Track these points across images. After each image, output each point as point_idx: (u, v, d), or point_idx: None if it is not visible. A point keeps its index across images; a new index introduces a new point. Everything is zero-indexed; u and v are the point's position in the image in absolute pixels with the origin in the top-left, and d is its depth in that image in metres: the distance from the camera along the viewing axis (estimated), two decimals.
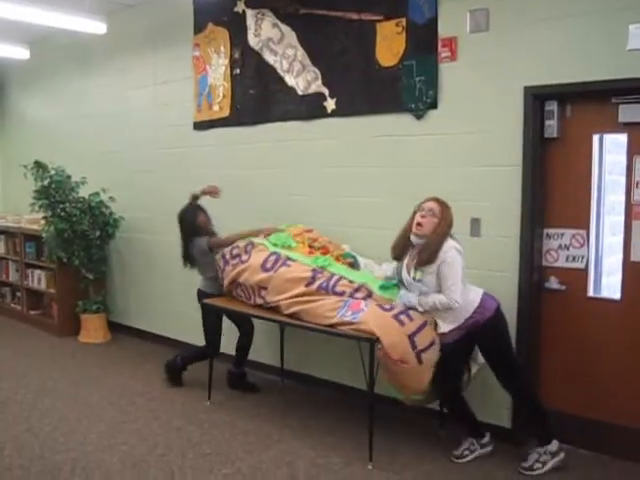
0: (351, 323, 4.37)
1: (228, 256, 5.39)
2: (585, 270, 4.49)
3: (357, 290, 4.64)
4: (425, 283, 4.22)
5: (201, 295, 5.69)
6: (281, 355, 5.95)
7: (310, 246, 5.23)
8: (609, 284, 4.52)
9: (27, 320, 8.40)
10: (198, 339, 6.05)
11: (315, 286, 4.75)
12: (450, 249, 4.13)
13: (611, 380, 4.38)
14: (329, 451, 4.57)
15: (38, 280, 8.15)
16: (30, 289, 8.37)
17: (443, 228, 4.19)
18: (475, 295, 4.25)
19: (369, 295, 4.60)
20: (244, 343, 5.85)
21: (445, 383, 4.33)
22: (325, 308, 4.59)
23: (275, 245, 5.21)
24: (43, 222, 7.38)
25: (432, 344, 4.22)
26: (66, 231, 7.17)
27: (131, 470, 4.28)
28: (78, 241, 7.29)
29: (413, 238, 4.28)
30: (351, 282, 4.70)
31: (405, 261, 4.40)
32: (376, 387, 4.38)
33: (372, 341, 4.23)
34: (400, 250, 4.42)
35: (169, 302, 7.04)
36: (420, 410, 4.47)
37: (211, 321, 5.65)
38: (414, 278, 4.28)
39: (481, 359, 4.41)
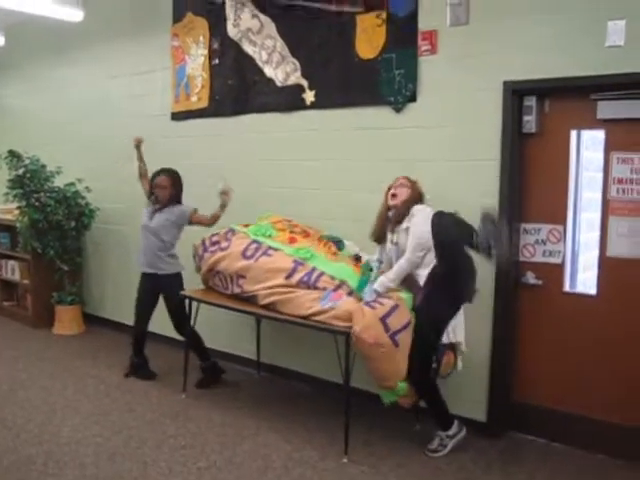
0: (331, 309, 4.36)
1: (207, 242, 5.32)
2: (561, 265, 4.51)
3: (339, 287, 4.59)
4: (401, 245, 4.42)
5: (179, 278, 5.72)
6: (257, 348, 5.93)
7: (291, 232, 5.16)
8: (585, 279, 4.55)
9: (1, 311, 8.29)
10: (173, 331, 6.02)
11: (295, 279, 4.69)
12: (419, 211, 4.35)
13: (586, 374, 4.41)
14: (305, 444, 4.56)
15: (12, 271, 8.04)
16: (4, 280, 8.26)
17: (414, 195, 4.47)
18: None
19: (350, 294, 4.55)
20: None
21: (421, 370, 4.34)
22: (306, 298, 4.55)
23: (255, 234, 5.16)
24: (17, 212, 7.29)
25: (407, 325, 4.21)
26: (41, 221, 7.09)
27: (105, 462, 4.24)
28: (53, 232, 7.20)
29: (390, 213, 4.53)
30: (332, 278, 4.65)
31: (388, 238, 4.59)
32: (352, 380, 4.37)
33: (348, 334, 4.22)
34: (379, 230, 4.63)
35: None
36: (395, 404, 4.46)
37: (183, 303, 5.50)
38: (391, 241, 4.51)
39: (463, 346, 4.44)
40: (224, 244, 5.20)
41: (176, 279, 5.67)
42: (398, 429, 4.76)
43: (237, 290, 5.04)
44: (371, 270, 4.71)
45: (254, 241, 5.08)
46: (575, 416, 4.43)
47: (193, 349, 5.65)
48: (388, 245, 4.55)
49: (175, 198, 5.62)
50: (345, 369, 4.32)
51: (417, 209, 4.37)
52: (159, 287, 5.69)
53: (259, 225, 5.30)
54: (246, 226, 5.34)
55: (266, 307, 4.81)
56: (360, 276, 4.68)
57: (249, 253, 4.99)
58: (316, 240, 5.06)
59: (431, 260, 4.27)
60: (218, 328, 6.22)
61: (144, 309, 5.80)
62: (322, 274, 4.67)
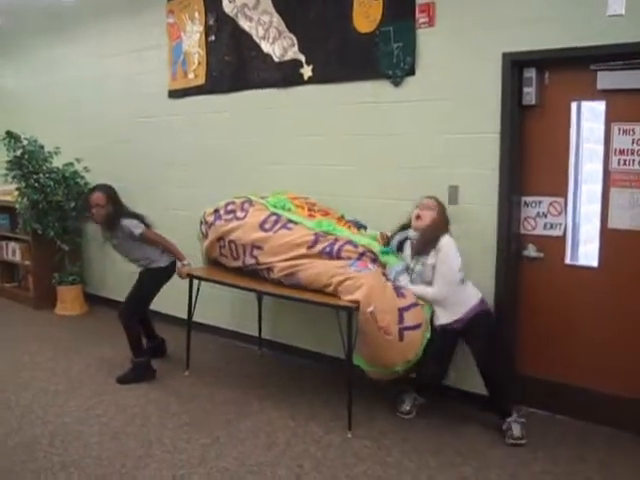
0: (350, 278, 4.36)
1: (222, 211, 5.23)
2: (563, 238, 4.50)
3: (362, 254, 4.59)
4: (421, 275, 4.39)
5: (163, 270, 5.51)
6: (259, 324, 5.94)
7: (310, 210, 5.11)
8: (586, 252, 4.54)
9: (2, 293, 8.31)
10: (174, 309, 6.03)
11: (317, 249, 4.65)
12: (446, 244, 4.27)
13: (588, 346, 4.41)
14: (308, 420, 4.58)
15: (13, 252, 8.04)
16: (5, 261, 8.26)
17: (440, 221, 4.39)
18: (475, 292, 4.40)
19: (374, 260, 4.57)
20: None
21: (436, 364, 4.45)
22: (331, 266, 4.54)
23: (275, 207, 5.10)
24: (16, 193, 7.27)
25: (418, 326, 4.22)
26: (40, 202, 7.08)
27: (110, 441, 4.26)
28: (53, 212, 7.19)
29: (412, 233, 4.49)
30: (355, 247, 4.62)
31: (406, 252, 4.60)
32: (354, 357, 4.38)
33: (350, 309, 4.23)
34: (399, 241, 4.66)
35: None
36: (398, 378, 4.47)
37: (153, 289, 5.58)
38: (413, 269, 4.45)
39: None
40: (240, 214, 5.11)
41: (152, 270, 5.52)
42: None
43: (251, 261, 4.97)
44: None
45: (273, 213, 5.00)
46: (578, 388, 4.44)
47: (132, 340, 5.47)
48: (407, 263, 4.55)
49: (116, 215, 5.28)
50: (347, 344, 4.33)
51: (445, 244, 4.28)
52: None
53: (277, 197, 5.23)
54: (263, 198, 5.28)
55: (279, 280, 4.78)
56: (383, 247, 4.71)
57: (267, 226, 4.92)
58: (336, 219, 5.02)
59: None
60: (218, 305, 6.24)
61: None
62: (345, 243, 4.64)
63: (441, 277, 4.28)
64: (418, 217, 4.41)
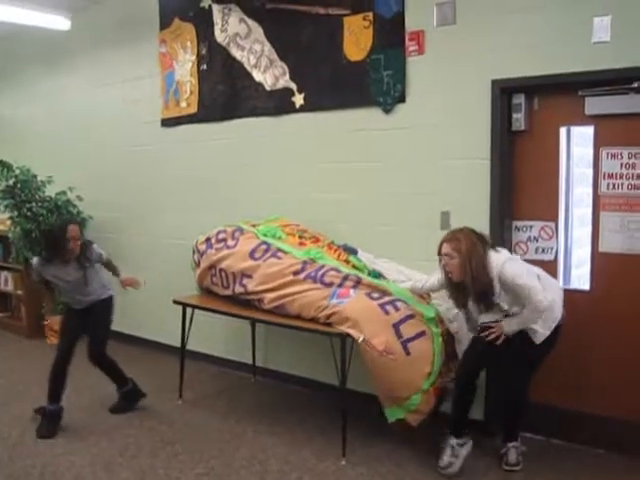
0: (334, 313, 4.34)
1: (213, 240, 5.27)
2: (554, 262, 4.51)
3: (345, 279, 4.58)
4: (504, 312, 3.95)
5: (112, 298, 5.29)
6: (253, 352, 5.92)
7: (300, 237, 5.12)
8: (578, 275, 4.56)
9: None
10: (167, 337, 6.00)
11: (302, 275, 4.68)
12: (499, 265, 3.77)
13: (582, 369, 4.41)
14: (302, 447, 4.55)
15: (5, 282, 8.01)
16: None
17: (475, 263, 3.79)
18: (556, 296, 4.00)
19: (358, 282, 4.54)
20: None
21: (467, 367, 4.17)
22: (315, 297, 4.52)
23: (265, 235, 5.12)
24: (9, 222, 7.25)
25: (421, 334, 4.19)
26: (33, 231, 7.06)
27: (102, 472, 4.22)
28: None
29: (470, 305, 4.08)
30: (339, 272, 4.63)
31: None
32: (348, 382, 4.36)
33: (343, 336, 4.22)
34: (461, 299, 4.07)
35: (140, 302, 6.97)
36: (401, 422, 4.42)
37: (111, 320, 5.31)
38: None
39: None
40: (230, 242, 5.15)
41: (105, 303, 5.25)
42: (396, 430, 4.75)
43: (239, 290, 4.99)
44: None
45: (263, 242, 5.03)
46: (573, 412, 4.43)
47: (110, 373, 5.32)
48: (476, 317, 4.13)
49: (85, 244, 5.02)
50: (341, 371, 4.31)
51: (503, 271, 3.76)
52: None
53: (268, 226, 5.25)
54: (254, 226, 5.31)
55: (270, 310, 4.78)
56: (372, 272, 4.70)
57: (257, 254, 4.95)
58: (326, 246, 5.02)
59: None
60: (212, 333, 6.22)
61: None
62: (329, 270, 4.65)
63: (526, 289, 3.74)
64: (450, 273, 3.92)
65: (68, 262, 4.89)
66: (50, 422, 4.88)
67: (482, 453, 4.36)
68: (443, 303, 4.43)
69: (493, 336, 3.91)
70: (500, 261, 3.79)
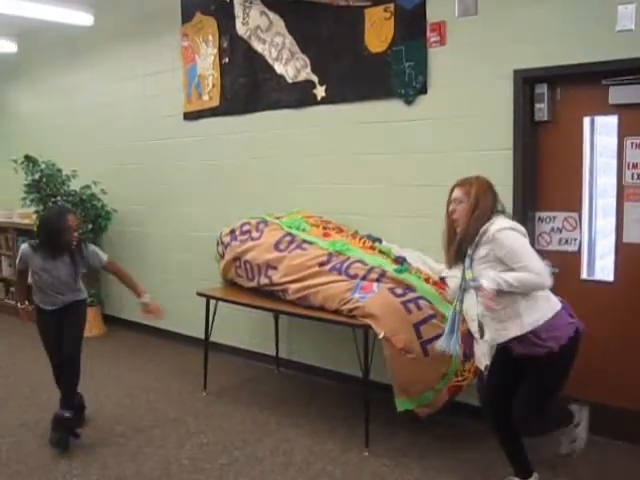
0: (357, 307, 4.34)
1: (237, 232, 5.31)
2: (578, 253, 4.49)
3: (370, 271, 4.56)
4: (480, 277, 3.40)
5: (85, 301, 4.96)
6: (276, 343, 5.95)
7: (324, 228, 5.14)
8: (602, 266, 4.52)
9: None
10: (191, 329, 6.04)
11: (328, 267, 4.69)
12: (500, 228, 3.33)
13: (605, 361, 4.39)
14: (326, 438, 4.58)
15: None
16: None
17: (481, 210, 3.41)
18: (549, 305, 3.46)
19: (382, 274, 4.52)
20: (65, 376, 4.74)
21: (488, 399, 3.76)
22: (340, 289, 4.52)
23: (289, 227, 5.14)
24: (35, 216, 7.34)
25: (441, 336, 4.17)
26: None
27: (128, 462, 4.28)
28: None
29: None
30: (364, 264, 4.62)
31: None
32: (371, 374, 4.38)
33: (366, 328, 4.23)
34: (452, 254, 3.58)
35: (163, 294, 7.02)
36: (409, 412, 4.43)
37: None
38: (466, 279, 3.53)
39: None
40: (255, 234, 5.19)
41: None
42: (418, 421, 4.76)
43: (265, 281, 5.02)
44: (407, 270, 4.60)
45: (288, 233, 5.06)
46: (595, 404, 4.40)
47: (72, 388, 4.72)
48: (457, 280, 3.67)
49: (83, 238, 4.85)
50: (364, 362, 4.33)
51: (500, 234, 3.31)
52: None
53: (292, 218, 5.28)
54: (278, 218, 5.33)
55: (294, 301, 4.80)
56: (397, 266, 4.65)
57: (282, 246, 4.98)
58: (350, 236, 5.04)
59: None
60: (236, 325, 6.26)
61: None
62: (355, 261, 4.65)
63: (519, 257, 3.28)
64: (454, 219, 3.52)
65: (59, 256, 4.53)
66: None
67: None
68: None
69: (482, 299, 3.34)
70: (500, 223, 3.35)
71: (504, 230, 3.32)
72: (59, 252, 4.53)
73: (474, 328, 4.06)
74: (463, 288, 3.55)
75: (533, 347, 3.39)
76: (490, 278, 3.29)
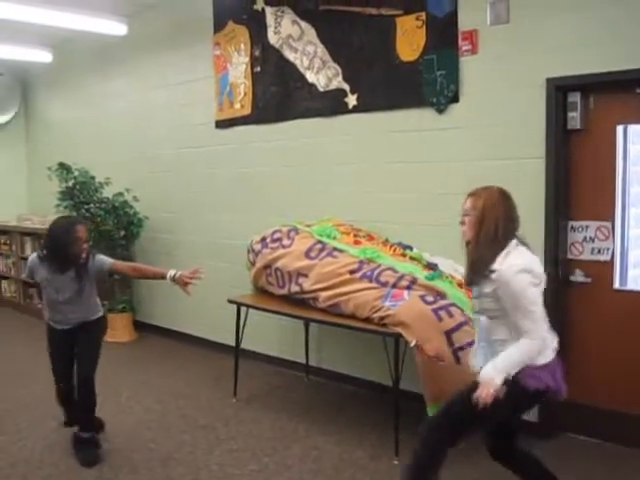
0: (388, 316, 4.33)
1: (269, 239, 5.34)
2: (611, 262, 4.44)
3: (401, 279, 4.55)
4: (487, 312, 3.12)
5: (104, 319, 4.70)
6: (306, 351, 5.96)
7: (355, 235, 5.14)
8: (635, 276, 4.47)
9: None
10: (222, 336, 6.06)
11: (359, 274, 4.68)
12: (514, 271, 2.95)
13: (638, 372, 4.34)
14: (355, 446, 4.57)
15: None
16: None
17: (487, 229, 3.05)
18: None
19: (413, 282, 4.50)
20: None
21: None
22: (371, 297, 4.51)
23: (320, 235, 5.15)
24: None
25: (473, 343, 4.14)
26: (91, 232, 7.22)
27: (158, 467, 4.31)
28: (103, 241, 7.33)
29: None
30: (395, 272, 4.61)
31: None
32: (402, 382, 4.37)
33: (397, 336, 4.23)
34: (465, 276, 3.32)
35: (193, 301, 7.05)
36: None
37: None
38: (473, 309, 3.32)
39: None
40: (286, 242, 5.21)
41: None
42: None
43: (295, 289, 5.03)
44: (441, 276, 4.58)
45: (319, 241, 5.06)
46: (629, 415, 4.36)
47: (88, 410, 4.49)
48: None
49: (91, 250, 4.43)
50: (395, 371, 4.32)
51: (507, 273, 2.94)
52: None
53: (323, 226, 5.29)
54: (309, 226, 5.35)
55: (325, 309, 4.81)
56: (428, 273, 4.63)
57: (313, 254, 4.99)
58: (381, 243, 5.04)
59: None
60: (266, 332, 6.28)
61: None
62: (386, 269, 4.65)
63: (521, 312, 2.96)
64: (463, 232, 3.24)
65: (67, 269, 4.25)
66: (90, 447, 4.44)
67: None
68: None
69: (482, 400, 2.93)
70: (519, 262, 2.98)
71: (518, 274, 2.94)
72: (66, 265, 4.23)
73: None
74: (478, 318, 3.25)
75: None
76: (496, 370, 2.94)
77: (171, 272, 4.38)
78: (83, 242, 4.21)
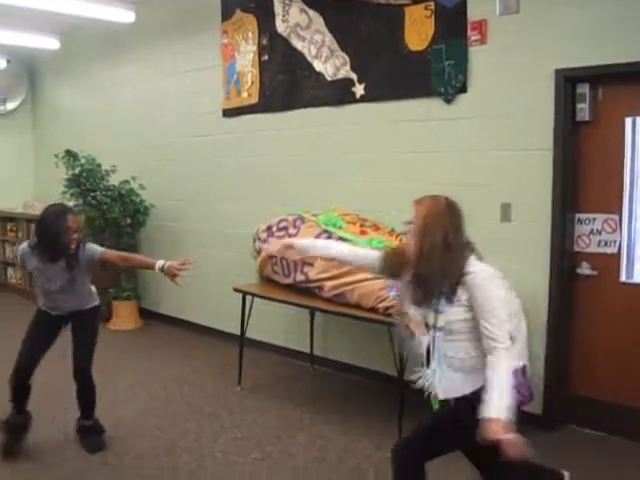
0: (393, 305, 4.33)
1: (275, 228, 5.35)
2: (618, 255, 4.43)
3: None
4: (453, 324, 2.82)
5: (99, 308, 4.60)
6: (311, 341, 5.97)
7: (361, 225, 5.14)
8: None
9: None
10: (227, 325, 6.06)
11: None
12: (481, 269, 2.81)
13: None
14: (360, 436, 4.58)
15: None
16: None
17: (432, 241, 2.79)
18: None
19: None
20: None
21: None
22: (376, 286, 4.53)
23: (326, 224, 5.14)
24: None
25: None
26: (97, 219, 7.24)
27: (163, 454, 4.32)
28: (109, 229, 7.35)
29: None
30: None
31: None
32: (407, 373, 4.36)
33: None
34: (416, 293, 2.93)
35: (199, 289, 7.07)
36: None
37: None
38: (435, 326, 2.86)
39: None
40: (292, 231, 5.21)
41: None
42: None
43: (301, 277, 5.04)
44: None
45: (325, 231, 5.05)
46: (634, 409, 4.35)
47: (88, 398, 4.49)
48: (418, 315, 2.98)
49: (82, 239, 4.30)
50: (399, 361, 4.33)
51: (480, 276, 2.76)
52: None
53: (328, 215, 5.28)
54: (315, 215, 5.35)
55: (330, 298, 4.82)
56: None
57: None
58: (387, 234, 5.04)
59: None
60: (271, 321, 6.28)
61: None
62: None
63: (492, 315, 2.73)
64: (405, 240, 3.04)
65: (57, 259, 4.15)
66: (13, 435, 4.32)
67: (537, 446, 4.31)
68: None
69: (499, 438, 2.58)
70: (490, 270, 2.84)
71: (493, 275, 2.83)
72: (56, 255, 4.13)
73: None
74: (433, 337, 2.87)
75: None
76: (500, 407, 2.62)
77: (160, 263, 4.24)
78: (73, 232, 4.11)
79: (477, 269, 2.78)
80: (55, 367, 4.67)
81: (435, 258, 2.75)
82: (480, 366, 2.79)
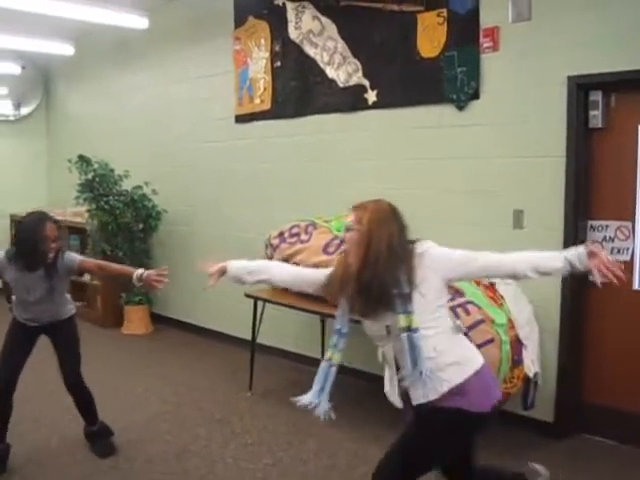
0: None
1: (287, 234, 5.35)
2: (630, 262, 4.40)
3: None
4: (429, 327, 2.75)
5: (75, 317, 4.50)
6: (322, 347, 5.96)
7: None
8: None
9: None
10: (238, 330, 6.06)
11: None
12: (427, 247, 2.80)
13: None
14: (371, 442, 4.56)
15: None
16: (74, 281, 8.46)
17: (377, 249, 2.69)
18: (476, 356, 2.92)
19: None
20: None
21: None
22: None
23: (338, 230, 5.13)
24: (87, 215, 7.49)
25: (490, 341, 4.13)
26: (110, 224, 7.28)
27: (173, 459, 4.33)
28: (121, 234, 7.38)
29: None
30: None
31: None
32: None
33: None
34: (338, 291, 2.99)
35: (211, 294, 7.06)
36: None
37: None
38: (401, 328, 2.74)
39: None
40: (304, 237, 5.22)
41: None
42: None
43: None
44: None
45: (337, 237, 5.05)
46: None
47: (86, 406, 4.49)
48: (376, 329, 3.10)
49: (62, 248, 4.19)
50: None
51: (429, 251, 2.76)
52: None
53: (341, 221, 5.28)
54: (327, 221, 5.35)
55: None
56: None
57: (331, 249, 4.99)
58: None
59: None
60: (282, 327, 6.29)
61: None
62: None
63: (474, 258, 2.75)
64: (345, 243, 2.94)
65: (35, 268, 4.04)
66: None
67: (549, 454, 4.30)
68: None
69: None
70: (425, 244, 2.80)
71: (437, 245, 2.81)
72: (34, 264, 4.01)
73: (524, 334, 3.99)
74: (408, 339, 2.76)
75: (453, 396, 2.75)
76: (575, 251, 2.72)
77: (138, 272, 4.05)
78: (51, 241, 3.98)
79: (424, 247, 2.75)
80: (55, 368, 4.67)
81: (379, 265, 2.64)
82: (450, 361, 2.75)
